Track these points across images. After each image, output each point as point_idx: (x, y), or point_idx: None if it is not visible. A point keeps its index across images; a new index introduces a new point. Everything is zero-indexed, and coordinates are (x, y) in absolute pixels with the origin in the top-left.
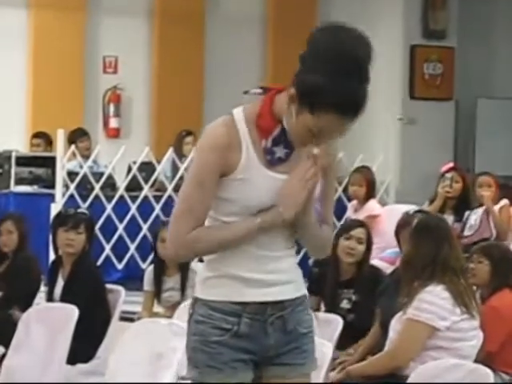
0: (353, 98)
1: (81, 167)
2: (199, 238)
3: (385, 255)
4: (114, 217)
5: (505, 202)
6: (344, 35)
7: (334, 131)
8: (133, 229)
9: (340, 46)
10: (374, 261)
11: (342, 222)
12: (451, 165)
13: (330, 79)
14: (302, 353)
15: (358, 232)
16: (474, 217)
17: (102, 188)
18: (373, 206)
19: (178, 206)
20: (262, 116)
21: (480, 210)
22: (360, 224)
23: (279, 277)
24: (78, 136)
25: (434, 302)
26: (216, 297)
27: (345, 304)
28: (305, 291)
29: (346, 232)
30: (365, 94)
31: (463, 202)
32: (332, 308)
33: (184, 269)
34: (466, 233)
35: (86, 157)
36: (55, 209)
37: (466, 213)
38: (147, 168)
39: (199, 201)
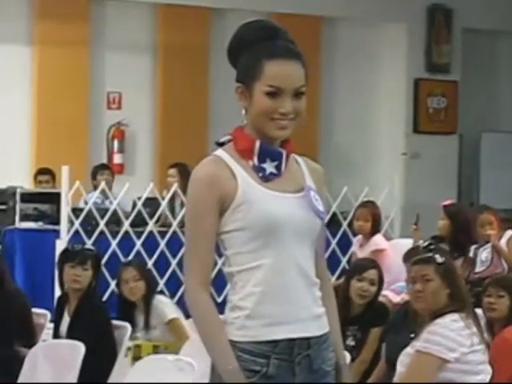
0: (273, 43)
1: (86, 203)
2: (198, 311)
3: (395, 288)
4: (119, 252)
5: (510, 233)
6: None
7: (287, 80)
8: None
9: (241, 30)
10: (385, 292)
11: (346, 257)
12: (448, 201)
13: (252, 50)
14: None
15: (371, 274)
16: (485, 253)
17: (106, 224)
18: (378, 240)
19: (185, 252)
20: (238, 140)
21: (489, 246)
22: (373, 265)
23: (307, 311)
24: (99, 169)
25: (442, 333)
26: (244, 338)
27: (350, 341)
28: (328, 328)
29: (359, 273)
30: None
31: (456, 239)
32: None
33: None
34: (478, 269)
35: (104, 190)
36: (60, 245)
37: (472, 247)
38: (152, 203)
39: (204, 249)
